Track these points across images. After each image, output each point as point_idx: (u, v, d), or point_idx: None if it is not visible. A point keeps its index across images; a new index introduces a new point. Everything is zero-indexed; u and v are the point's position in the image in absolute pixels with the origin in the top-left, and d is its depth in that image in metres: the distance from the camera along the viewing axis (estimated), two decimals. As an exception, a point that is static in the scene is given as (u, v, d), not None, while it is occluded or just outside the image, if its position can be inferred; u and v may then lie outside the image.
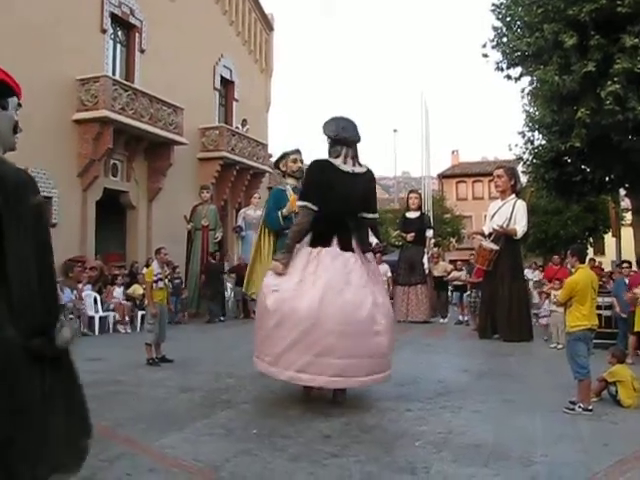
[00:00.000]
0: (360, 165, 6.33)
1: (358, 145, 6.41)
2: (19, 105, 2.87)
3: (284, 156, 8.65)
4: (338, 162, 6.17)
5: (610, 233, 31.08)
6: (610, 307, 10.61)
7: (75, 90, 16.89)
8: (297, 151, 8.72)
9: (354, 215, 6.29)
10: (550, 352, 10.06)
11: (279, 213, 8.24)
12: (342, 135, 6.23)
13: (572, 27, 13.83)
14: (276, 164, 9.08)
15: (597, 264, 18.46)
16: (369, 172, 6.44)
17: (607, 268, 23.41)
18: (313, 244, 6.14)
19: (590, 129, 14.47)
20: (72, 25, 16.82)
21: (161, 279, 9.10)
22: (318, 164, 6.28)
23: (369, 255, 6.41)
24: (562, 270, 12.07)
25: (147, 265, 12.87)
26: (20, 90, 2.87)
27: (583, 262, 6.67)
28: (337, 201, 6.13)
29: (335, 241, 6.09)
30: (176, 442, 4.74)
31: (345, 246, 6.10)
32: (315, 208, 6.11)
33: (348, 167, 6.18)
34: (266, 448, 4.58)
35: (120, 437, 4.73)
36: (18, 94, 2.85)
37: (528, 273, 17.08)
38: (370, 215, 6.50)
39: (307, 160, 7.49)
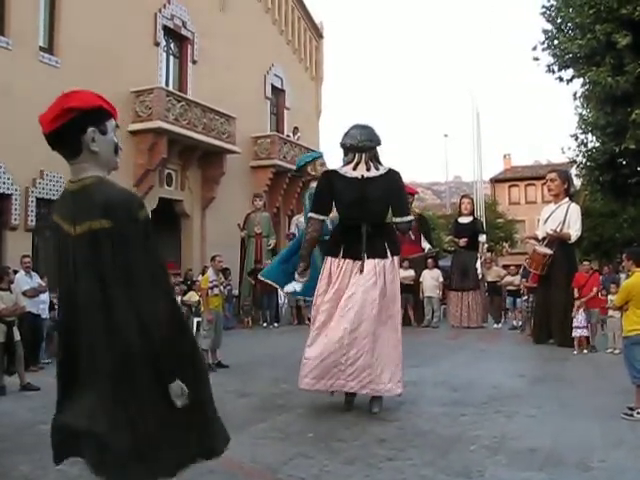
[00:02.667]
0: (377, 169, 6.24)
1: (378, 149, 6.38)
2: (117, 126, 3.03)
3: (312, 160, 8.66)
4: (344, 170, 6.24)
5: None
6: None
7: (130, 102, 17.27)
8: (320, 156, 8.71)
9: (371, 221, 6.15)
10: (606, 357, 9.91)
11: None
12: (348, 142, 6.29)
13: (625, 27, 13.63)
14: (299, 169, 8.99)
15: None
16: (390, 173, 6.28)
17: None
18: (327, 252, 6.35)
19: (645, 130, 14.23)
20: (127, 39, 17.23)
21: (216, 286, 9.28)
22: (322, 175, 6.61)
23: (382, 262, 6.10)
24: (594, 277, 11.33)
25: (202, 272, 13.13)
26: (116, 112, 3.03)
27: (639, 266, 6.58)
28: (346, 208, 6.22)
29: (342, 250, 6.14)
30: (234, 445, 4.79)
31: (353, 254, 6.09)
32: (320, 217, 6.32)
33: (357, 173, 6.17)
34: (322, 451, 4.66)
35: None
36: (114, 116, 3.01)
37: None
38: (398, 219, 6.30)
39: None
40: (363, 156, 6.22)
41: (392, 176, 6.29)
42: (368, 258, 6.03)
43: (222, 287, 9.72)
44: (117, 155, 3.03)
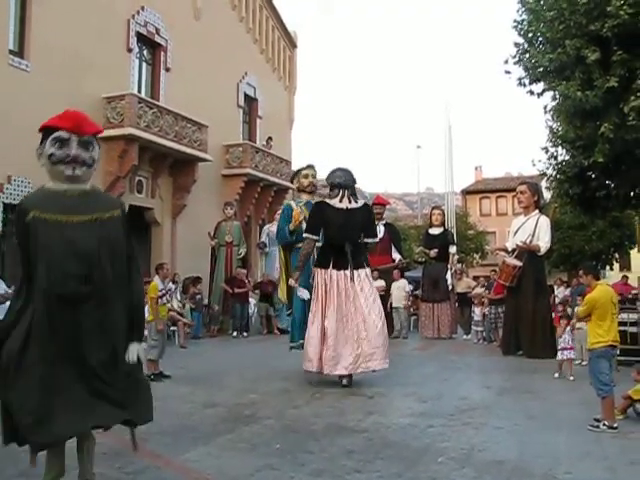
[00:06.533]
0: (356, 202, 8.27)
1: (355, 186, 8.45)
2: (58, 137, 3.53)
3: (297, 173, 9.59)
4: (333, 202, 8.17)
5: (636, 249, 30.76)
6: (636, 323, 10.46)
7: (101, 108, 17.09)
8: (309, 167, 9.90)
9: (352, 241, 8.07)
10: (574, 369, 9.96)
11: (286, 229, 9.02)
12: (336, 182, 8.28)
13: (594, 42, 13.77)
14: (291, 181, 10.03)
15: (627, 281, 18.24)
16: (365, 206, 8.49)
17: (633, 284, 23.13)
18: (317, 265, 8.21)
19: (614, 144, 14.35)
20: (100, 44, 17.09)
21: (164, 295, 9.14)
22: (316, 205, 8.49)
23: (362, 271, 8.07)
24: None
25: (173, 281, 13.02)
26: (58, 121, 3.59)
27: (598, 279, 6.65)
28: (334, 231, 8.09)
29: (332, 262, 8.00)
30: (200, 456, 4.79)
31: (340, 266, 7.96)
32: (315, 238, 8.27)
33: (342, 204, 8.15)
34: (289, 463, 4.61)
35: (145, 451, 4.77)
36: (60, 127, 3.55)
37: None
38: (371, 240, 8.44)
39: (324, 172, 8.86)
40: (346, 192, 8.22)
41: (366, 208, 8.56)
42: (354, 269, 7.95)
43: (168, 296, 9.55)
44: (56, 164, 3.53)
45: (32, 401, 3.32)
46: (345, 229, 8.06)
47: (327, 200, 8.29)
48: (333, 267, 7.99)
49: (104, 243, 3.58)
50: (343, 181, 8.28)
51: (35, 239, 3.44)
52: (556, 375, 9.09)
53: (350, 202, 8.22)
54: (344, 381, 7.88)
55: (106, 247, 3.58)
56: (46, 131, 3.57)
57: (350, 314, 7.80)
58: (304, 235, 8.45)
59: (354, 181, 8.45)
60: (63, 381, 3.40)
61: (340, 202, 8.17)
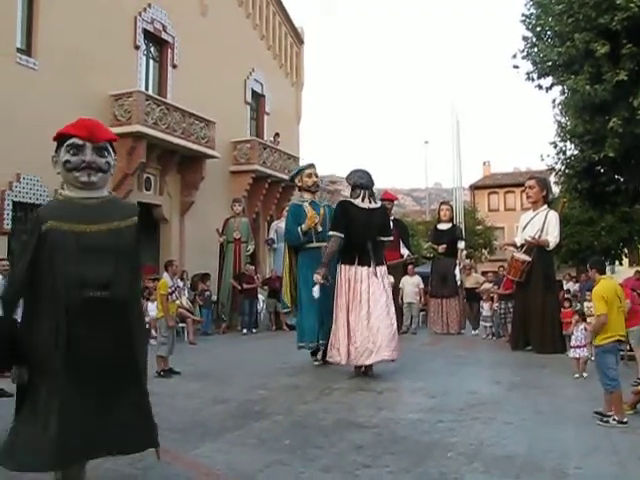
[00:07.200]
0: (375, 202, 8.68)
1: (373, 187, 8.78)
2: (72, 144, 3.59)
3: (299, 171, 9.63)
4: (357, 201, 8.51)
5: (646, 244, 30.61)
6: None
7: (109, 105, 17.12)
8: (311, 165, 10.04)
9: (373, 239, 8.45)
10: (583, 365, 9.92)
11: (299, 229, 9.06)
12: (359, 182, 8.62)
13: (603, 36, 13.70)
14: (292, 179, 10.02)
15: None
16: (382, 206, 8.93)
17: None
18: (343, 261, 8.45)
19: (623, 139, 14.28)
20: (106, 42, 17.10)
21: (174, 291, 9.12)
22: (342, 204, 8.79)
23: (383, 268, 8.47)
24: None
25: (181, 278, 13.01)
26: (72, 129, 3.63)
27: (603, 273, 6.54)
28: (358, 229, 8.38)
29: (357, 259, 8.31)
30: (210, 452, 4.80)
31: (364, 262, 8.31)
32: (341, 236, 8.41)
33: (365, 204, 8.51)
34: (299, 458, 4.62)
35: (155, 447, 4.80)
36: (72, 135, 3.60)
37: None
38: (386, 238, 8.82)
39: (323, 172, 8.49)
40: (367, 192, 8.57)
41: (384, 209, 9.05)
42: (376, 265, 8.33)
43: (177, 293, 9.55)
44: (71, 171, 3.58)
45: (53, 427, 3.34)
46: (367, 228, 8.43)
47: (351, 200, 8.64)
48: (358, 264, 8.33)
49: (121, 252, 3.61)
50: (364, 182, 8.65)
51: (52, 249, 3.44)
52: (576, 375, 8.57)
53: (370, 202, 8.58)
54: (363, 369, 8.32)
55: (123, 255, 3.61)
56: (61, 139, 3.63)
57: (372, 308, 8.14)
58: (330, 233, 8.63)
59: (373, 182, 8.80)
60: (77, 403, 3.42)
61: (362, 202, 8.52)
